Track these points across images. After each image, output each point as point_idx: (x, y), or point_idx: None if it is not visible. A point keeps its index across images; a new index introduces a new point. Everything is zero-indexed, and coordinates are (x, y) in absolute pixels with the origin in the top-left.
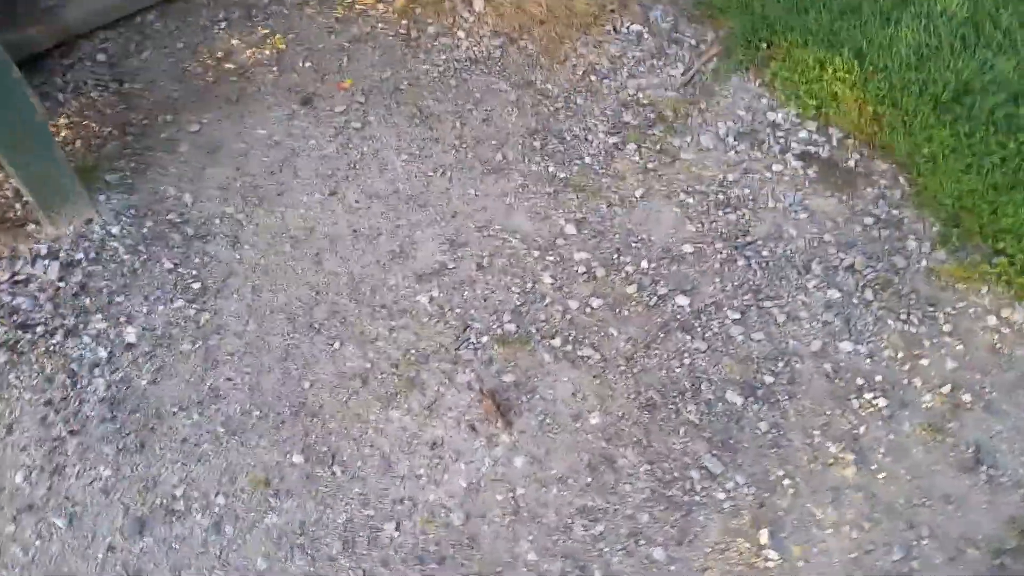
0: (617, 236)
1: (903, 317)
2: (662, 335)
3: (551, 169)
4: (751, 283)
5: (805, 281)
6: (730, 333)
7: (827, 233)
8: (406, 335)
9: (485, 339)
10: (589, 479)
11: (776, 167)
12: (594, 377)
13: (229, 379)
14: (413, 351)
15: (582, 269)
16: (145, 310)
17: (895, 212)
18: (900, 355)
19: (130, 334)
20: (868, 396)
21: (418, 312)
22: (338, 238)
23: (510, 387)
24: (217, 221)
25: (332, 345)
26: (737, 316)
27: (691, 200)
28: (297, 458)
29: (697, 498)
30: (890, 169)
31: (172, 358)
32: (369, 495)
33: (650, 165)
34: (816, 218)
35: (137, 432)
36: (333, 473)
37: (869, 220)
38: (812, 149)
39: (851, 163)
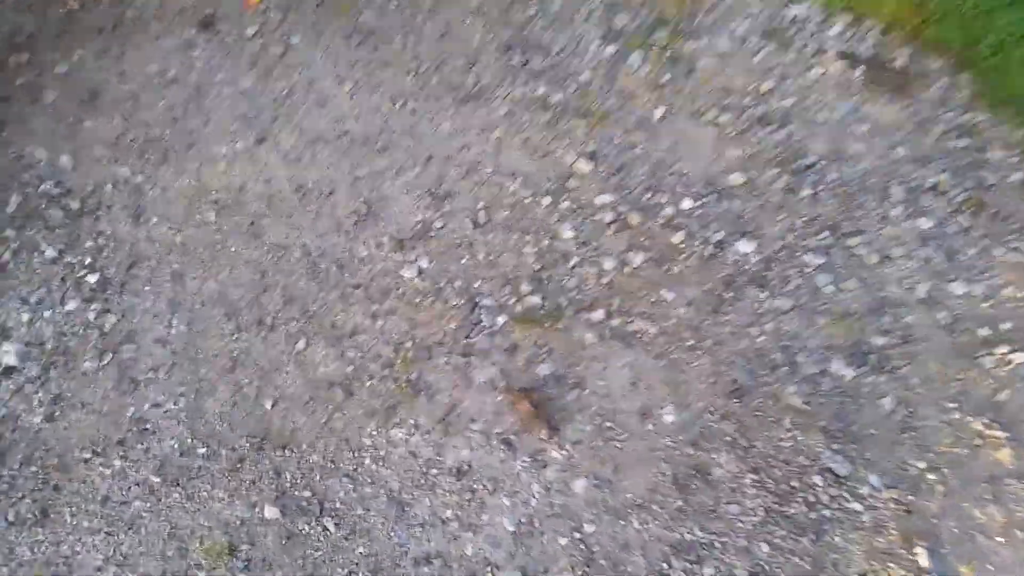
0: (644, 170)
1: (1011, 244)
2: (730, 294)
3: (541, 91)
4: (824, 217)
5: (887, 209)
6: (815, 284)
7: (898, 147)
8: (395, 323)
9: (501, 319)
10: (679, 501)
11: (815, 71)
12: (656, 358)
13: (157, 405)
14: (408, 344)
15: (609, 216)
16: (25, 318)
17: (966, 117)
18: (1021, 293)
19: (7, 354)
20: (999, 351)
21: (406, 290)
22: (277, 198)
23: (548, 381)
24: (109, 188)
25: (295, 345)
26: (820, 261)
27: (725, 117)
28: (270, 511)
29: (826, 513)
30: (947, 65)
31: (73, 382)
32: (381, 556)
33: (663, 78)
34: (879, 130)
35: (35, 494)
36: (324, 529)
37: (938, 128)
38: (851, 48)
39: (900, 62)
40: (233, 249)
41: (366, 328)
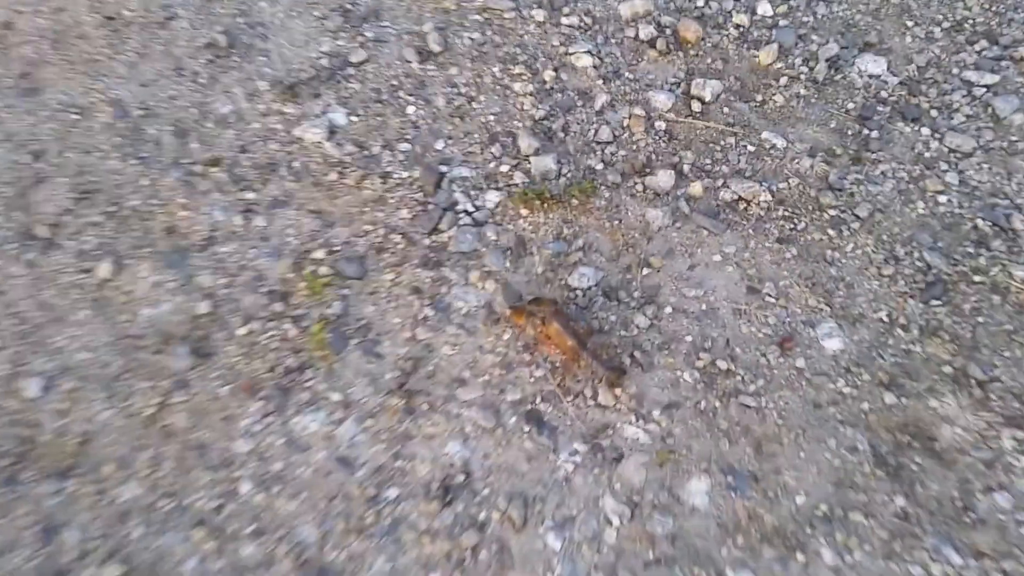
0: None
1: None
2: (873, 132)
3: None
4: (972, 22)
5: None
6: (996, 112)
7: None
8: (291, 219)
9: (492, 197)
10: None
11: None
12: (782, 242)
13: None
14: (319, 254)
15: (646, 31)
16: None
17: None
18: None
19: None
20: None
21: (308, 162)
22: (71, 35)
23: (594, 298)
24: None
25: (92, 273)
26: (991, 80)
27: None
28: None
29: None
30: None
31: None
32: None
33: None
34: None
35: None
36: None
37: None
38: None
39: None
40: None
41: (233, 234)
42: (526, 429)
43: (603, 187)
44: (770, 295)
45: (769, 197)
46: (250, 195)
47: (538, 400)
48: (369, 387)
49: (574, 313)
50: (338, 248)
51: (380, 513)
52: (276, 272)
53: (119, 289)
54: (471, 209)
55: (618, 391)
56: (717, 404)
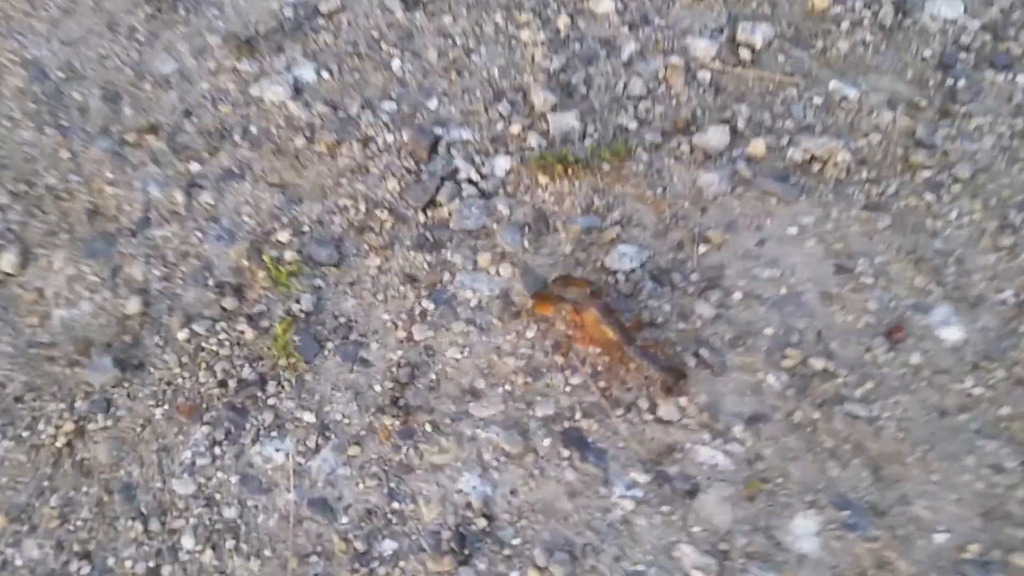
0: None
1: None
2: (961, 84)
3: None
4: None
5: None
6: None
7: None
8: (246, 193)
9: (502, 163)
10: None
11: None
12: (874, 209)
13: None
14: (284, 235)
15: None
16: None
17: None
18: None
19: None
20: None
21: (270, 126)
22: None
23: (641, 283)
24: None
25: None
26: None
27: None
28: None
29: None
30: None
31: None
32: None
33: None
34: None
35: None
36: None
37: None
38: None
39: None
40: None
41: (174, 214)
42: (565, 454)
43: (640, 148)
44: (866, 275)
45: (848, 156)
46: (195, 167)
47: (578, 415)
48: (353, 403)
49: (616, 303)
50: (307, 228)
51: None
52: (228, 259)
53: (25, 286)
54: (475, 178)
55: (683, 400)
56: (816, 415)
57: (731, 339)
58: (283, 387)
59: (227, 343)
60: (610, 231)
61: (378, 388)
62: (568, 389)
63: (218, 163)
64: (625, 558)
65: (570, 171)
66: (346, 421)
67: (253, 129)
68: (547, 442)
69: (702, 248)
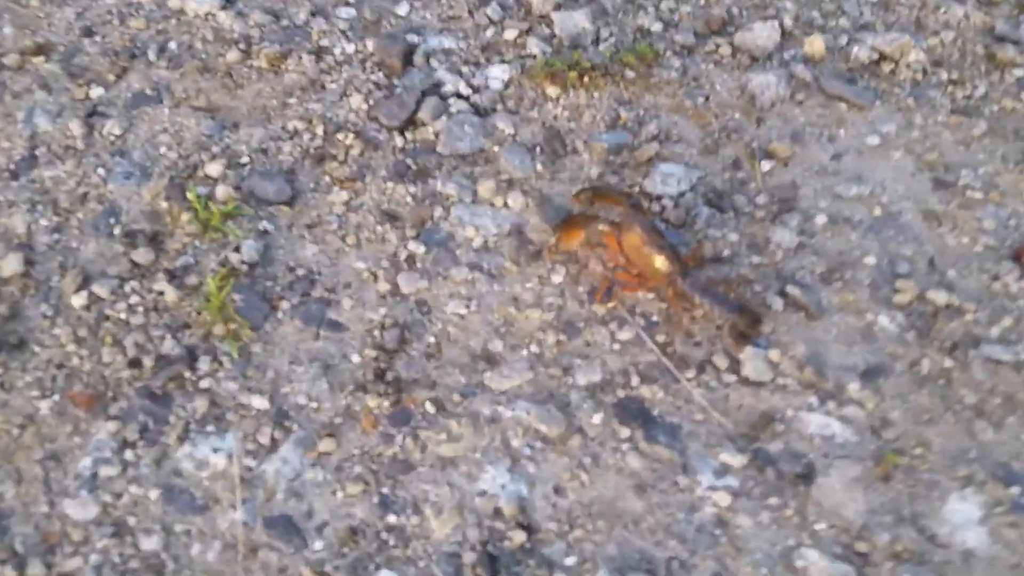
0: None
1: None
2: None
3: None
4: None
5: None
6: None
7: None
8: (165, 121)
9: (497, 73)
10: None
11: None
12: (958, 117)
13: None
14: (216, 169)
15: None
16: None
17: None
18: None
19: None
20: None
21: (196, 40)
22: None
23: (694, 213)
24: None
25: None
26: None
27: None
28: None
29: None
30: None
31: None
32: None
33: None
34: None
35: None
36: None
37: None
38: None
39: None
40: None
41: (68, 150)
42: (624, 434)
43: (669, 53)
44: (972, 189)
45: (922, 55)
46: (97, 91)
47: (634, 380)
48: (321, 381)
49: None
50: (246, 159)
51: None
52: (140, 201)
53: None
54: (465, 91)
55: (774, 354)
56: (948, 363)
57: (823, 273)
58: (220, 363)
59: (140, 309)
60: (646, 149)
61: (356, 359)
62: (616, 347)
63: (127, 86)
64: (728, 574)
65: (586, 79)
66: (313, 405)
67: (172, 45)
68: (597, 418)
69: (766, 165)
